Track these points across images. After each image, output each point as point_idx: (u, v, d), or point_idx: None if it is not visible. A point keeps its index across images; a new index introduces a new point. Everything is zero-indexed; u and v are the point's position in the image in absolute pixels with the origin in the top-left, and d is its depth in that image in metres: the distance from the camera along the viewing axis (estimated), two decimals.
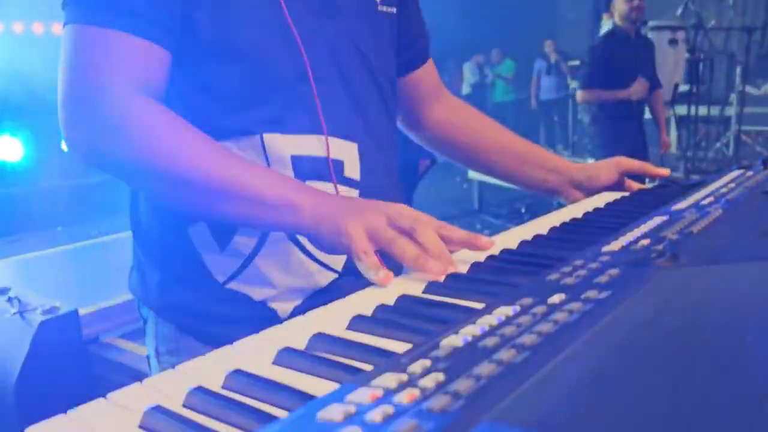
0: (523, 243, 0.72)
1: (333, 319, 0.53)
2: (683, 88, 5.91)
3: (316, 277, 0.85)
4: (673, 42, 5.62)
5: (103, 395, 1.43)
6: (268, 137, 0.82)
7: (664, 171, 1.12)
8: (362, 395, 0.32)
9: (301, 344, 0.48)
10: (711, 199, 0.77)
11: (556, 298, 0.44)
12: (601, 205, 0.94)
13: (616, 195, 1.03)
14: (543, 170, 1.15)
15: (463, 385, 0.31)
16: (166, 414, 0.37)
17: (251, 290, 0.84)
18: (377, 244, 0.64)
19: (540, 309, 0.42)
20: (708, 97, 6.61)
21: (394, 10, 1.02)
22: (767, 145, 6.41)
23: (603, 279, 0.47)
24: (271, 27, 0.84)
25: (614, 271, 0.48)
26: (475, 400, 0.29)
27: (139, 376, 1.78)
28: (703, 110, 6.44)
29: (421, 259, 0.61)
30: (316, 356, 0.45)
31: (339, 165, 0.87)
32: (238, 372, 0.42)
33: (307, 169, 0.85)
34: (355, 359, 0.44)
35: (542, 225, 0.80)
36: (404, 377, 0.34)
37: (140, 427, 0.38)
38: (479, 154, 1.18)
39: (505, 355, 0.34)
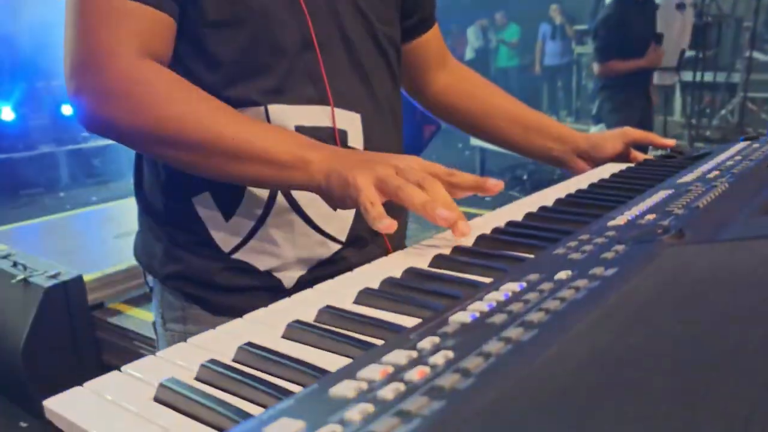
0: (528, 215, 0.72)
1: (341, 292, 0.53)
2: (690, 53, 5.83)
3: (320, 248, 0.85)
4: (680, 6, 5.52)
5: (109, 360, 1.48)
6: (272, 108, 0.82)
7: (670, 142, 1.11)
8: (373, 372, 0.33)
9: (309, 317, 0.48)
10: (717, 172, 0.77)
11: (563, 275, 0.44)
12: (606, 176, 0.94)
13: (621, 166, 1.03)
14: (548, 139, 1.14)
15: (472, 363, 0.31)
16: (179, 386, 0.38)
17: (256, 260, 0.85)
18: (385, 194, 0.63)
19: (547, 285, 0.42)
20: (715, 63, 6.54)
21: None
22: None
23: (609, 255, 0.47)
24: None
25: (620, 247, 0.49)
26: (485, 379, 0.30)
27: (143, 341, 1.83)
28: (708, 77, 6.38)
29: (429, 205, 0.60)
30: (325, 329, 0.45)
31: (343, 135, 0.87)
32: (248, 345, 0.43)
33: (311, 138, 0.84)
34: (363, 333, 0.44)
35: (547, 197, 0.80)
36: (414, 354, 0.35)
37: (155, 399, 0.39)
38: (484, 120, 1.17)
39: (513, 332, 0.34)
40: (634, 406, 0.26)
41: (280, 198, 0.83)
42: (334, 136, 0.86)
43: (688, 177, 0.76)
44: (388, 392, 0.30)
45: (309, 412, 0.30)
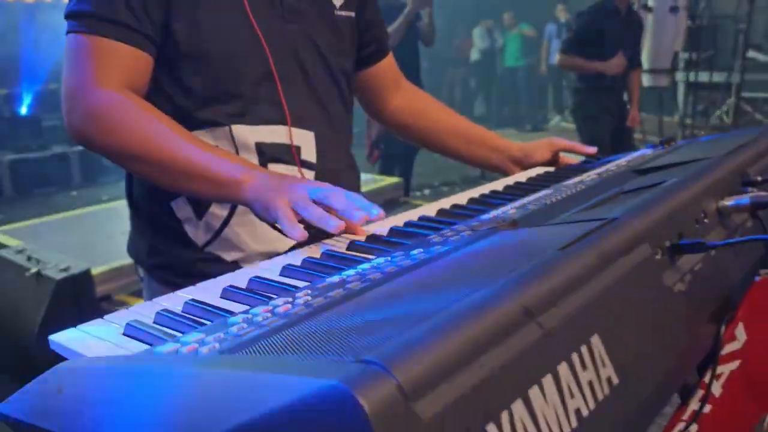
0: (439, 211, 0.90)
1: (271, 268, 0.71)
2: (683, 56, 5.97)
3: (278, 242, 1.02)
4: (674, 9, 5.66)
5: None
6: (235, 128, 0.99)
7: (591, 150, 1.27)
8: (259, 309, 0.51)
9: (243, 284, 0.66)
10: (594, 176, 0.94)
11: (416, 251, 0.62)
12: (523, 179, 1.10)
13: (542, 170, 1.20)
14: (487, 149, 1.31)
15: (317, 300, 0.49)
16: (141, 325, 0.56)
17: (224, 253, 1.02)
18: (297, 212, 0.78)
19: (400, 257, 0.60)
20: (711, 64, 6.66)
21: (352, 14, 1.17)
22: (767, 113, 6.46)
23: (456, 238, 0.65)
24: (240, 34, 1.00)
25: (468, 233, 0.66)
26: (317, 310, 0.48)
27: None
28: (705, 77, 6.50)
29: (323, 220, 0.75)
30: (252, 291, 0.63)
31: (298, 150, 1.04)
32: (192, 301, 0.61)
33: (270, 153, 1.01)
34: (265, 294, 0.62)
35: (468, 196, 0.97)
36: (289, 299, 0.53)
37: (123, 333, 0.57)
38: (433, 136, 1.34)
39: (354, 285, 0.52)
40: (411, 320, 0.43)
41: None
42: (290, 151, 1.04)
43: (572, 180, 0.94)
44: (261, 318, 0.48)
45: (213, 330, 0.48)
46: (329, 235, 0.79)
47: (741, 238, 0.61)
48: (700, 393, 0.68)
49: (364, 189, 1.26)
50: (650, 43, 5.63)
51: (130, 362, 0.47)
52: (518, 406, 0.37)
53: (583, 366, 0.43)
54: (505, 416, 0.36)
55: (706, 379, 0.67)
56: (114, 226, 3.74)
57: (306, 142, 1.06)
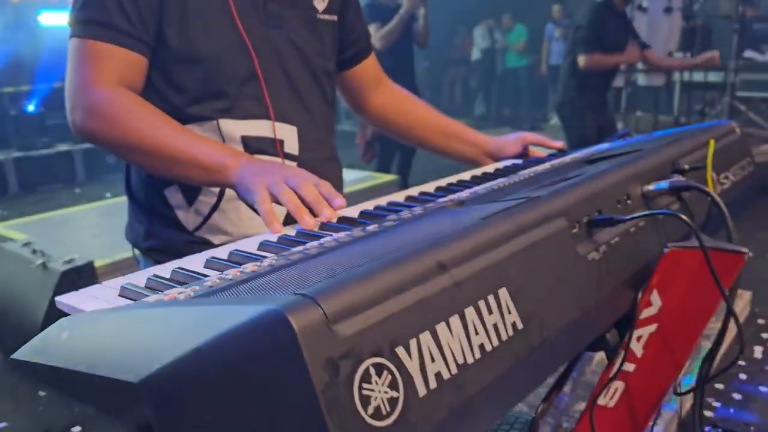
0: (406, 197, 1.00)
1: (251, 242, 0.81)
2: (677, 55, 6.04)
3: (261, 228, 1.12)
4: (668, 10, 5.75)
5: None
6: (222, 122, 1.09)
7: (558, 144, 1.37)
8: (232, 272, 0.61)
9: (225, 256, 0.76)
10: (548, 166, 1.04)
11: (372, 227, 0.72)
12: (491, 170, 1.20)
13: (511, 162, 1.29)
14: (462, 143, 1.41)
15: (279, 262, 0.59)
16: (133, 287, 0.66)
17: (213, 237, 1.12)
18: (274, 197, 0.88)
19: (357, 231, 0.70)
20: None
21: (334, 17, 1.27)
22: (762, 113, 6.53)
23: (408, 216, 0.75)
24: (227, 37, 1.10)
25: (420, 212, 0.76)
26: (277, 268, 0.58)
27: None
28: (699, 76, 6.57)
29: (298, 211, 0.83)
30: (231, 261, 0.73)
31: (281, 143, 1.14)
32: (179, 268, 0.71)
33: (254, 146, 1.11)
34: (238, 262, 0.71)
35: (437, 184, 1.06)
36: (258, 263, 0.63)
37: (119, 295, 0.66)
38: (413, 131, 1.44)
39: (312, 250, 0.62)
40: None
41: (229, 189, 1.10)
42: (274, 144, 1.14)
43: (527, 170, 1.04)
44: (232, 276, 0.58)
45: (191, 285, 0.58)
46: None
47: (640, 213, 0.70)
48: (625, 354, 0.78)
49: (360, 186, 1.36)
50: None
51: (120, 310, 0.57)
52: (426, 337, 0.47)
53: (489, 311, 0.53)
54: (413, 342, 0.46)
55: (631, 340, 0.77)
56: (116, 221, 3.84)
57: (289, 136, 1.15)
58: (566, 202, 0.68)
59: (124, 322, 0.54)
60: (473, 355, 0.50)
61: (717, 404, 2.66)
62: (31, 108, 7.00)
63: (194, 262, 0.74)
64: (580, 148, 1.33)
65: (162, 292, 0.62)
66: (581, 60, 4.12)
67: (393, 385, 0.43)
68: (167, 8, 1.06)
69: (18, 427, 2.62)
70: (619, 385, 0.80)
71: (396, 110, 1.44)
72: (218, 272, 0.68)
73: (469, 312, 0.51)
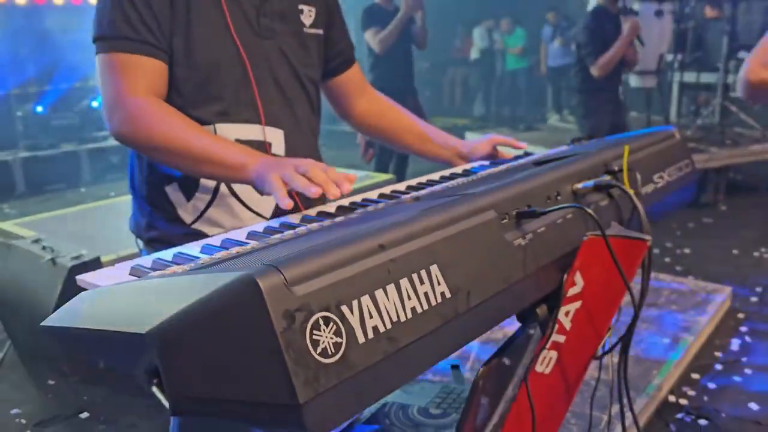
0: (380, 194, 1.14)
1: (240, 233, 0.95)
2: (668, 57, 6.18)
3: (251, 221, 1.27)
4: (659, 13, 5.87)
5: None
6: (219, 126, 1.24)
7: (522, 145, 1.51)
8: (232, 249, 0.76)
9: (217, 243, 0.90)
10: (505, 168, 1.18)
11: (339, 218, 0.86)
12: (459, 171, 1.34)
13: (478, 163, 1.43)
14: (437, 146, 1.55)
15: (260, 245, 0.74)
16: (141, 267, 0.80)
17: (208, 229, 1.27)
18: (288, 184, 1.00)
19: (326, 222, 0.84)
20: (701, 65, 6.86)
21: (320, 31, 1.42)
22: (754, 113, 6.65)
23: (372, 209, 0.89)
24: (224, 47, 1.25)
25: (382, 206, 0.91)
26: (256, 249, 0.72)
27: None
28: (690, 77, 6.70)
29: (306, 188, 0.94)
30: (222, 246, 0.87)
31: (269, 145, 1.29)
32: (178, 252, 0.85)
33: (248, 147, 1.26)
34: (228, 248, 0.85)
35: (410, 183, 1.21)
36: (258, 242, 0.77)
37: (129, 274, 0.81)
38: (392, 135, 1.58)
39: (287, 236, 0.77)
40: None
41: (223, 187, 1.25)
42: (264, 146, 1.28)
43: (485, 171, 1.18)
44: (220, 256, 0.73)
45: (187, 263, 0.73)
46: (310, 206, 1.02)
47: (555, 207, 0.84)
48: (557, 326, 0.92)
49: (359, 185, 1.49)
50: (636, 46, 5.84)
51: (130, 283, 0.71)
52: (365, 299, 0.61)
53: (421, 282, 0.67)
54: (355, 303, 0.60)
55: (559, 315, 0.91)
56: (120, 219, 4.00)
57: (276, 139, 1.30)
58: (497, 197, 0.82)
59: (134, 291, 0.68)
60: (406, 315, 0.64)
61: (692, 393, 2.80)
62: (39, 109, 7.16)
63: (192, 247, 0.89)
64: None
65: (162, 271, 0.77)
66: (594, 71, 4.29)
67: (337, 333, 0.58)
68: (175, 20, 1.20)
69: (29, 413, 2.78)
70: (552, 354, 0.94)
71: (377, 116, 1.58)
72: (209, 255, 0.82)
73: (404, 282, 0.65)
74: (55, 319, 0.77)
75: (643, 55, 5.93)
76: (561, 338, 0.93)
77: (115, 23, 1.18)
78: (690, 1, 6.43)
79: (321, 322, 0.57)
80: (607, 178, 0.97)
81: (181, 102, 1.23)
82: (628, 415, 1.04)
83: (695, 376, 2.92)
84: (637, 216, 0.95)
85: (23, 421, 2.71)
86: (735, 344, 3.21)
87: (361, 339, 0.59)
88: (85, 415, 2.75)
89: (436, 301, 0.68)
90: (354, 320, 0.59)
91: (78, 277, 0.84)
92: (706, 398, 2.75)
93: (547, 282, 0.88)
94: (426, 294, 0.67)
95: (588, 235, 0.88)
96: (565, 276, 0.89)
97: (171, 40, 1.21)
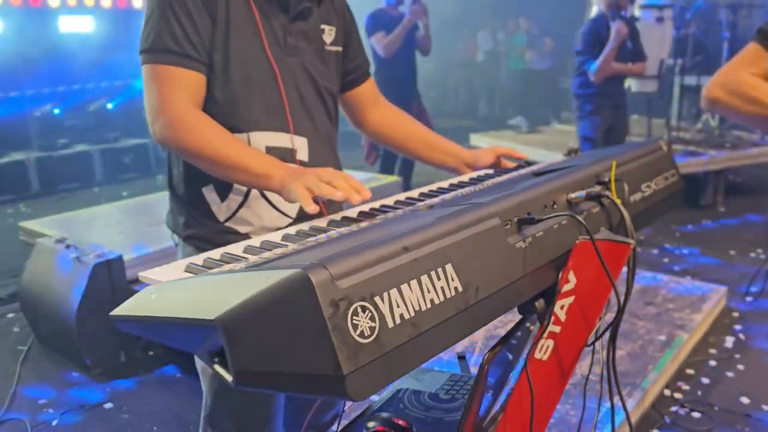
0: (396, 201, 1.27)
1: (276, 235, 1.09)
2: (669, 62, 6.29)
3: (278, 221, 1.41)
4: (659, 20, 6.00)
5: None
6: (252, 134, 1.38)
7: (523, 155, 1.64)
8: (270, 249, 0.89)
9: (257, 244, 1.04)
10: (506, 177, 1.31)
11: (364, 224, 0.99)
12: (466, 179, 1.47)
13: (483, 172, 1.57)
14: (444, 155, 1.69)
15: (298, 247, 0.87)
16: (196, 265, 0.94)
17: (239, 227, 1.41)
18: (312, 191, 1.15)
19: (354, 227, 0.98)
20: (702, 70, 6.98)
21: (339, 48, 1.56)
22: None
23: (392, 216, 1.03)
24: (259, 63, 1.38)
25: (400, 213, 1.04)
26: (298, 251, 0.85)
27: None
28: (691, 81, 6.82)
29: (334, 193, 1.09)
30: (262, 248, 1.01)
31: (295, 152, 1.43)
32: (225, 252, 0.99)
33: (275, 154, 1.38)
34: (269, 249, 0.99)
35: (422, 190, 1.34)
36: (287, 245, 0.91)
37: (185, 270, 0.94)
38: (402, 143, 1.72)
39: (321, 239, 0.90)
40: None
41: (254, 190, 1.39)
42: (291, 152, 1.42)
43: (490, 180, 1.31)
44: (267, 256, 0.86)
45: (238, 263, 0.87)
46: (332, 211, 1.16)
47: (549, 215, 0.98)
48: (553, 318, 1.06)
49: (366, 186, 1.61)
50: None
51: (193, 278, 0.85)
52: (394, 292, 0.75)
53: (438, 278, 0.80)
54: (385, 295, 0.74)
55: (555, 309, 1.05)
56: (137, 218, 4.15)
57: (301, 145, 1.44)
58: (501, 206, 0.95)
59: (198, 285, 0.82)
60: (426, 305, 0.78)
61: (686, 387, 2.93)
62: (56, 111, 7.32)
63: (237, 249, 1.03)
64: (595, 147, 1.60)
65: (217, 268, 0.91)
66: (592, 77, 4.44)
67: (372, 319, 0.71)
68: (216, 37, 1.34)
69: (56, 403, 2.92)
70: (549, 343, 1.08)
71: (390, 126, 1.72)
72: (255, 255, 0.96)
73: (424, 278, 0.79)
74: (125, 309, 0.90)
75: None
76: (557, 329, 1.07)
77: (160, 37, 1.31)
78: (691, 8, 6.55)
79: (359, 309, 0.70)
80: (597, 188, 1.11)
81: (218, 111, 1.37)
82: (624, 411, 1.17)
83: (690, 371, 3.06)
84: (624, 222, 1.08)
85: (50, 410, 2.85)
86: (729, 342, 3.34)
87: (390, 324, 0.73)
88: (109, 405, 2.89)
89: (451, 294, 0.82)
90: (385, 308, 0.73)
91: (141, 274, 0.97)
92: (699, 392, 2.88)
93: (544, 279, 1.01)
94: (442, 288, 0.81)
95: (579, 239, 1.01)
96: (560, 274, 1.03)
97: (211, 54, 1.34)
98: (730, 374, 3.04)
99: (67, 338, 3.17)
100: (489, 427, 1.12)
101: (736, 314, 3.65)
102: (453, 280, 0.83)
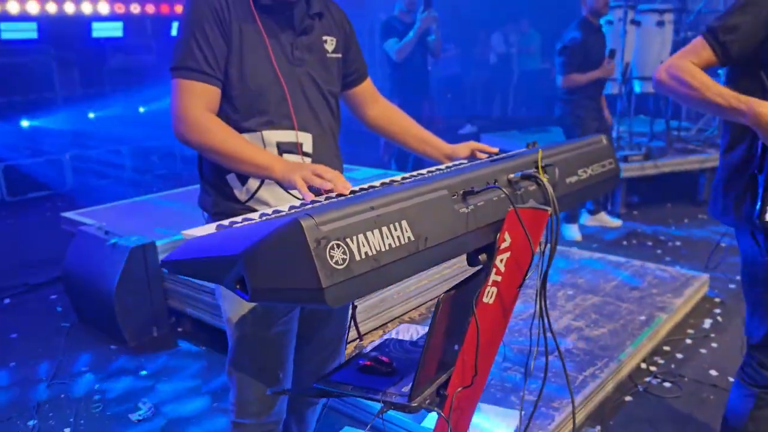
0: (381, 183, 1.60)
1: (282, 207, 1.42)
2: None
3: (289, 200, 1.75)
4: (660, 24, 6.25)
5: (172, 302, 2.78)
6: (264, 132, 1.72)
7: (494, 150, 1.96)
8: (273, 213, 1.23)
9: (269, 212, 1.38)
10: (471, 164, 1.64)
11: (350, 195, 1.33)
12: (443, 167, 1.80)
13: (459, 161, 1.89)
14: (429, 147, 2.01)
15: (300, 209, 1.21)
16: (222, 225, 1.28)
17: (258, 206, 1.75)
18: (307, 182, 1.50)
19: (341, 197, 1.31)
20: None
21: (340, 55, 1.89)
22: None
23: (372, 189, 1.35)
24: (267, 74, 1.72)
25: (380, 187, 1.37)
26: (300, 210, 1.19)
27: (194, 285, 3.05)
28: None
29: (324, 184, 1.42)
30: (268, 214, 1.34)
31: (301, 146, 1.77)
32: (244, 217, 1.33)
33: (284, 148, 1.73)
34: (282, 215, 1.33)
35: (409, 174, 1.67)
36: (286, 210, 1.24)
37: (215, 229, 1.28)
38: (398, 136, 2.05)
39: (316, 204, 1.24)
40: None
41: None
42: (297, 147, 1.76)
43: (459, 167, 1.64)
44: (274, 216, 1.20)
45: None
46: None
47: (483, 187, 1.30)
48: (494, 270, 1.38)
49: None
50: (639, 55, 6.24)
51: (220, 231, 1.19)
52: (361, 236, 1.07)
53: (395, 229, 1.13)
54: (355, 237, 1.06)
55: (496, 262, 1.37)
56: (165, 210, 4.52)
57: (306, 140, 1.78)
58: (450, 181, 1.28)
59: (225, 234, 1.16)
60: (385, 247, 1.10)
61: (662, 362, 3.23)
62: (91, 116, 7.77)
63: (253, 216, 1.36)
64: None
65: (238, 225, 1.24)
66: (559, 80, 4.76)
67: (344, 253, 1.04)
68: (231, 56, 1.68)
69: (97, 369, 3.30)
70: (493, 290, 1.40)
71: (386, 121, 2.05)
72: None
73: (384, 229, 1.11)
74: (173, 255, 1.24)
75: (645, 63, 6.34)
76: (498, 278, 1.39)
77: (184, 57, 1.66)
78: (691, 13, 6.79)
79: (335, 246, 1.03)
80: (531, 171, 1.43)
81: (236, 115, 1.71)
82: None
83: (667, 348, 3.34)
84: (548, 195, 1.40)
85: (93, 376, 3.23)
86: (707, 323, 3.62)
87: (357, 258, 1.06)
88: (144, 372, 3.26)
89: (405, 241, 1.14)
90: (354, 247, 1.06)
91: (184, 232, 1.31)
92: (673, 366, 3.17)
93: (484, 238, 1.33)
94: (398, 237, 1.14)
95: (510, 208, 1.34)
96: (498, 235, 1.35)
97: (227, 69, 1.69)
98: (703, 351, 3.32)
99: (105, 315, 3.54)
100: (452, 358, 1.44)
101: (717, 300, 3.92)
102: (407, 231, 1.15)
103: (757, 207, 1.78)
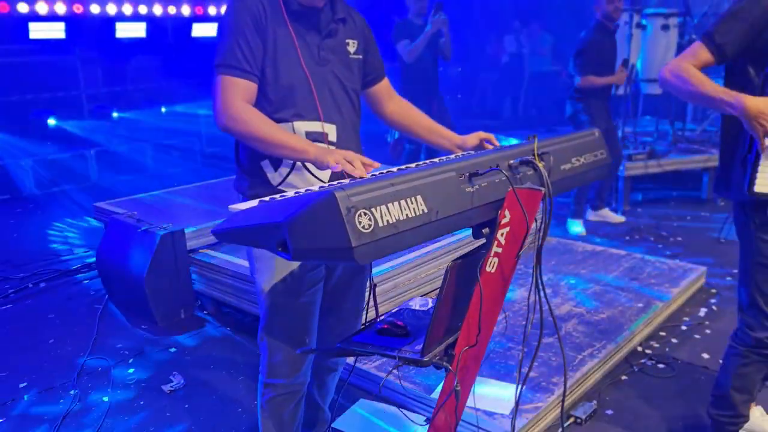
0: (398, 168, 1.83)
1: (314, 187, 1.65)
2: None
3: (316, 184, 1.98)
4: (665, 27, 6.44)
5: (198, 286, 3.10)
6: (295, 123, 1.95)
7: (496, 142, 2.18)
8: (303, 190, 1.46)
9: (302, 191, 1.61)
10: (474, 152, 1.86)
11: (376, 174, 1.56)
12: (452, 156, 2.03)
13: (468, 150, 2.12)
14: (441, 138, 2.24)
15: (327, 187, 1.44)
16: (264, 200, 1.51)
17: (288, 190, 1.98)
18: (339, 165, 1.73)
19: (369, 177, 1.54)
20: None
21: (360, 57, 2.13)
22: None
23: (394, 171, 1.59)
24: (297, 72, 1.95)
25: (402, 170, 1.60)
26: (328, 188, 1.42)
27: (219, 270, 3.37)
28: None
29: (353, 169, 1.68)
30: (300, 193, 1.57)
31: (326, 135, 2.00)
32: (277, 192, 1.56)
33: (312, 137, 1.96)
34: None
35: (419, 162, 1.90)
36: (316, 188, 1.48)
37: (258, 202, 1.51)
38: (411, 129, 2.28)
39: (344, 183, 1.47)
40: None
41: (298, 163, 1.96)
42: (323, 135, 1.99)
43: (467, 155, 1.86)
44: (304, 191, 1.44)
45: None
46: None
47: (486, 169, 1.52)
48: (496, 242, 1.60)
49: None
50: (644, 57, 6.44)
51: (262, 203, 1.43)
52: (383, 207, 1.30)
53: (412, 202, 1.36)
54: (379, 208, 1.29)
55: (497, 235, 1.59)
56: (190, 201, 4.77)
57: (331, 130, 2.01)
58: (459, 165, 1.51)
59: (268, 205, 1.39)
60: (403, 217, 1.33)
61: (657, 345, 3.43)
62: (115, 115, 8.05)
63: (288, 193, 1.60)
64: None
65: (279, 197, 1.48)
66: (577, 81, 4.98)
67: (370, 220, 1.27)
68: (266, 55, 1.92)
69: (128, 349, 3.54)
70: (495, 260, 1.62)
71: (401, 116, 2.29)
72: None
73: (402, 202, 1.34)
74: (223, 225, 1.48)
75: (651, 65, 6.53)
76: (499, 249, 1.61)
77: (226, 55, 1.90)
78: (695, 16, 6.96)
79: (362, 213, 1.26)
80: (528, 157, 1.65)
81: (270, 108, 1.95)
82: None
83: (662, 333, 3.55)
84: (543, 178, 1.62)
85: (126, 352, 3.48)
86: (702, 312, 3.82)
87: (381, 224, 1.29)
88: (173, 349, 3.51)
89: (419, 213, 1.37)
90: (378, 215, 1.29)
91: (230, 207, 1.55)
92: (667, 349, 3.38)
93: (487, 213, 1.56)
94: (414, 209, 1.36)
95: (509, 188, 1.56)
96: (499, 212, 1.58)
97: (263, 67, 1.93)
98: (697, 336, 3.52)
99: (136, 298, 3.79)
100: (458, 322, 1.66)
101: (714, 291, 4.12)
102: (421, 204, 1.38)
103: (746, 181, 2.03)
